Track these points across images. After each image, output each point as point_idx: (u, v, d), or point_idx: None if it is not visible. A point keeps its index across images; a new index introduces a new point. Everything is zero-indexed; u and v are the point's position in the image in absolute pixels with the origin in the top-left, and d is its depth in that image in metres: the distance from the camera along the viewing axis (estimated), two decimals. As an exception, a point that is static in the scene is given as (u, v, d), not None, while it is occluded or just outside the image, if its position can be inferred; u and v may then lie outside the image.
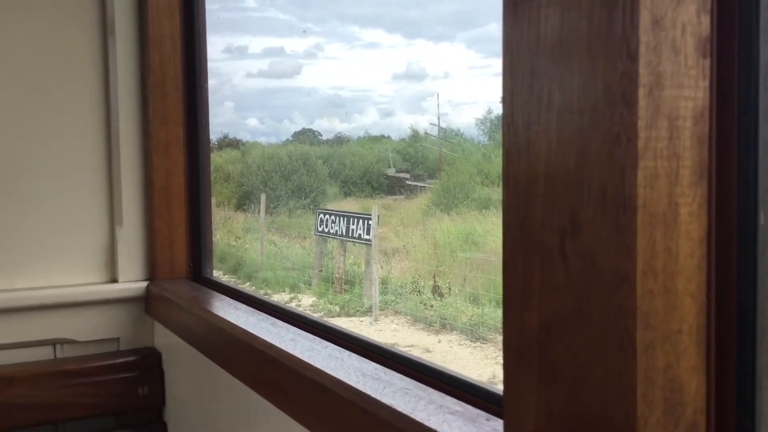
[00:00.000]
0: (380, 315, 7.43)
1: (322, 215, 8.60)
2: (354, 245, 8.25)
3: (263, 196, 9.92)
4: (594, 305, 0.57)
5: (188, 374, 1.65)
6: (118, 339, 1.82)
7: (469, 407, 0.84)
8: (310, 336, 1.21)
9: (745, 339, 0.56)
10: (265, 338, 1.19)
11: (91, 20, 1.80)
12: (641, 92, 0.52)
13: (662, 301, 0.55)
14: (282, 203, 10.56)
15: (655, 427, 0.55)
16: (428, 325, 7.07)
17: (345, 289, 8.18)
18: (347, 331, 1.20)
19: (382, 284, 7.80)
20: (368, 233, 7.77)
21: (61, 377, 1.70)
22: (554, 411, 0.61)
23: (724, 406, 0.57)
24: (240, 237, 10.39)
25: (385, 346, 1.10)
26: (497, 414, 0.81)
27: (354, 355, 1.08)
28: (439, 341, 6.71)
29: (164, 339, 1.77)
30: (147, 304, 1.81)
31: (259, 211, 10.11)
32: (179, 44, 1.84)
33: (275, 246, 9.78)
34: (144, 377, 1.77)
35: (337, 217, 8.31)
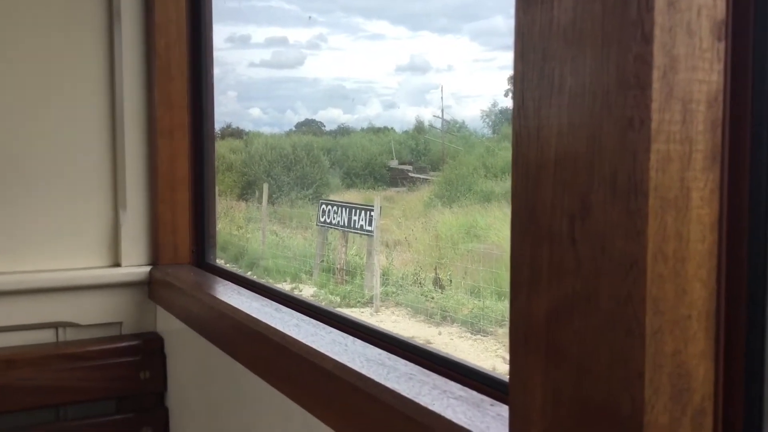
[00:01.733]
0: (381, 306, 7.43)
1: (324, 206, 8.56)
2: (356, 236, 8.23)
3: (266, 186, 9.90)
4: (603, 290, 0.56)
5: (190, 359, 1.65)
6: (120, 323, 1.82)
7: (474, 393, 0.83)
8: (314, 322, 1.21)
9: (754, 326, 0.56)
10: (269, 323, 1.19)
11: (97, 5, 1.80)
12: (655, 74, 0.52)
13: (672, 286, 0.55)
14: (284, 193, 10.55)
15: (662, 412, 0.55)
16: (429, 316, 7.07)
17: (346, 280, 8.16)
18: (351, 317, 1.20)
19: (384, 276, 7.79)
20: (370, 224, 7.75)
21: (62, 360, 1.70)
22: (560, 396, 0.61)
23: (732, 392, 0.57)
24: (242, 226, 10.38)
25: (389, 332, 1.09)
26: (501, 400, 0.81)
27: (358, 341, 1.08)
28: (440, 333, 6.71)
29: (167, 324, 1.77)
30: (150, 288, 1.81)
31: (260, 201, 10.10)
32: (185, 30, 1.84)
33: (276, 236, 9.75)
34: (146, 362, 1.77)
35: (340, 208, 8.27)
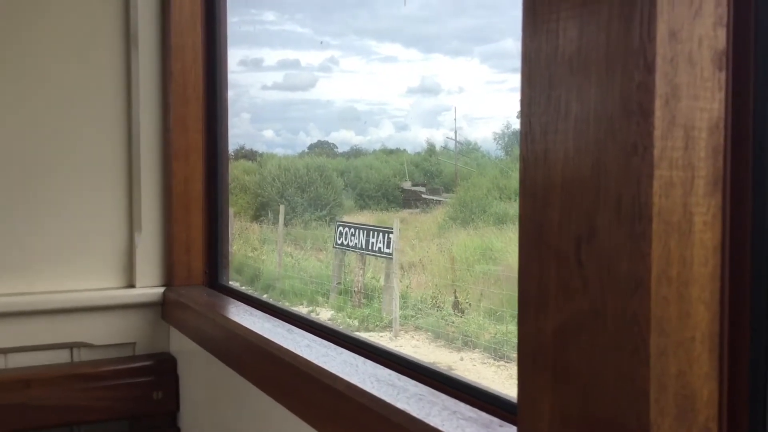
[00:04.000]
0: (400, 330, 7.29)
1: (341, 228, 8.44)
2: (371, 258, 8.13)
3: (282, 208, 9.83)
4: (609, 311, 0.58)
5: (203, 379, 1.66)
6: (134, 344, 1.84)
7: (483, 414, 0.84)
8: (325, 342, 1.22)
9: (758, 348, 0.57)
10: (281, 344, 1.21)
11: (114, 29, 1.83)
12: (658, 103, 0.53)
13: (676, 308, 0.56)
14: (298, 215, 10.53)
15: (668, 432, 0.56)
16: (449, 341, 6.91)
17: (363, 303, 8.05)
18: (362, 338, 1.22)
19: (401, 298, 7.66)
20: (388, 246, 7.63)
21: (77, 380, 1.72)
22: (568, 415, 0.62)
23: (736, 413, 0.58)
24: (257, 248, 10.34)
25: (399, 353, 1.11)
26: (510, 421, 0.82)
27: (368, 362, 1.09)
28: (461, 359, 6.54)
29: (180, 344, 1.79)
30: (163, 309, 1.83)
31: (275, 222, 10.06)
32: (201, 53, 1.87)
33: (292, 258, 9.65)
34: (159, 382, 1.78)
35: (357, 230, 8.16)
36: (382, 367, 1.06)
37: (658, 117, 0.53)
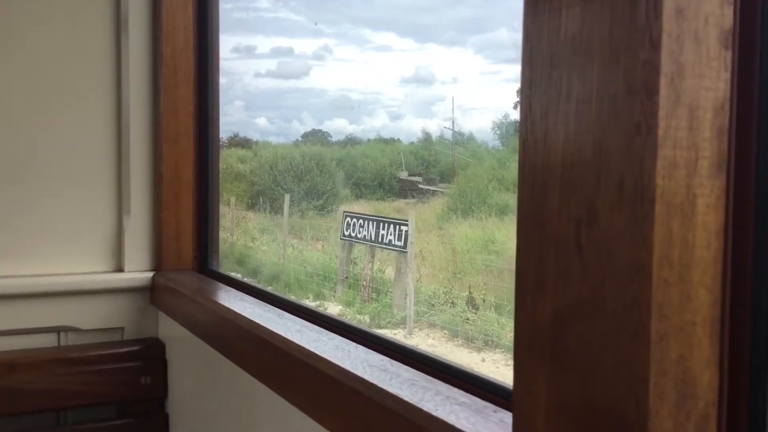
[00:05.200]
0: (414, 327, 6.83)
1: (348, 218, 7.93)
2: (378, 250, 7.68)
3: (287, 197, 9.45)
4: (608, 295, 0.57)
5: (192, 365, 1.65)
6: (122, 328, 1.82)
7: (477, 399, 0.84)
8: (317, 328, 1.21)
9: (759, 333, 0.56)
10: (272, 329, 1.20)
11: (104, 11, 1.81)
12: (663, 81, 0.52)
13: (677, 291, 0.55)
14: (294, 204, 10.34)
15: (666, 418, 0.55)
16: (468, 340, 6.44)
17: (372, 298, 7.60)
18: (353, 324, 1.21)
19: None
20: (400, 239, 7.17)
21: (64, 365, 1.70)
22: (565, 401, 0.61)
23: (737, 399, 0.57)
24: (256, 238, 10.11)
25: (391, 339, 1.10)
26: (504, 406, 0.81)
27: (360, 347, 1.08)
28: (483, 360, 6.10)
29: (169, 329, 1.78)
30: (152, 294, 1.82)
31: (273, 212, 9.83)
32: (192, 37, 1.85)
33: (293, 248, 9.27)
34: (147, 367, 1.77)
35: (366, 221, 7.66)
36: (374, 352, 1.05)
37: (663, 96, 0.52)
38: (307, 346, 1.08)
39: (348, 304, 7.64)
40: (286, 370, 1.12)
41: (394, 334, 6.51)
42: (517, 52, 0.65)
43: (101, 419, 1.77)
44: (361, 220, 7.73)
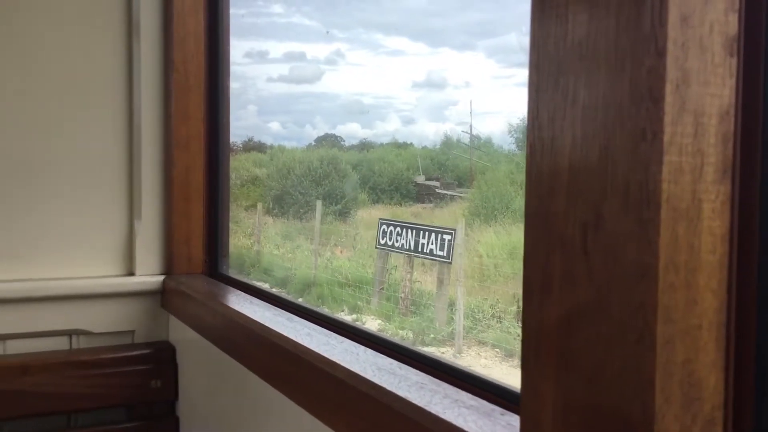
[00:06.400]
0: (462, 345, 6.25)
1: (384, 226, 7.40)
2: (422, 261, 7.15)
3: (319, 203, 9.01)
4: (614, 299, 0.57)
5: (202, 368, 1.66)
6: (132, 332, 1.84)
7: (484, 402, 0.84)
8: (326, 331, 1.22)
9: (765, 337, 0.56)
10: (282, 332, 1.20)
11: (116, 17, 1.83)
12: (668, 88, 0.53)
13: (683, 295, 0.55)
14: (311, 209, 10.05)
15: (673, 421, 0.56)
16: None
17: (412, 311, 7.07)
18: (362, 327, 1.21)
19: (453, 306, 6.60)
20: (442, 249, 6.65)
21: (75, 368, 1.72)
22: (571, 404, 0.62)
23: (742, 403, 0.57)
24: (279, 245, 9.59)
25: (399, 342, 1.10)
26: (511, 410, 0.81)
27: (369, 351, 1.08)
28: None
29: (179, 333, 1.79)
30: (163, 297, 1.83)
31: (292, 217, 9.50)
32: (203, 43, 1.86)
33: (320, 256, 8.71)
34: (158, 370, 1.78)
35: (404, 229, 7.14)
36: (382, 356, 1.06)
37: (669, 102, 0.53)
38: (316, 350, 1.09)
39: (386, 317, 7.10)
40: (296, 373, 1.13)
41: (442, 353, 5.92)
42: (527, 57, 0.66)
43: (111, 422, 1.78)
44: (398, 228, 7.23)
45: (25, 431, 1.71)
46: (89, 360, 1.74)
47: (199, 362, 1.67)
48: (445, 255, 6.65)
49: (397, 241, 7.18)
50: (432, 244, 6.79)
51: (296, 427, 1.18)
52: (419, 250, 6.92)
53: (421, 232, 6.97)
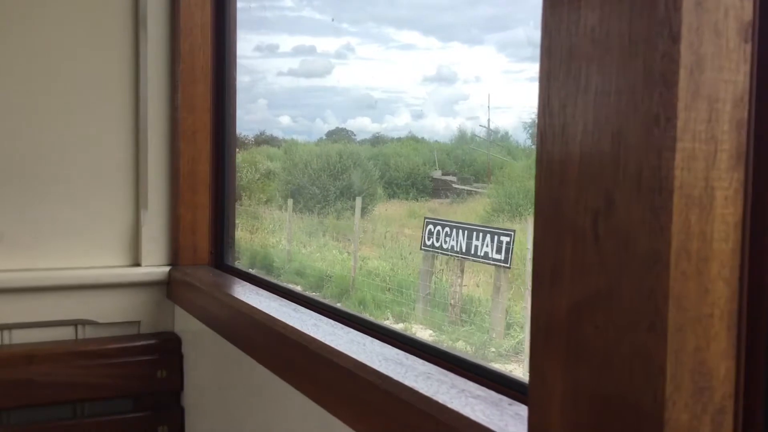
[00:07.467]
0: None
1: (431, 225, 6.75)
2: (475, 264, 6.50)
3: (359, 200, 8.32)
4: (626, 286, 0.57)
5: (208, 358, 1.66)
6: (138, 322, 1.84)
7: (492, 392, 0.84)
8: (332, 321, 1.22)
9: (777, 326, 0.56)
10: (288, 322, 1.20)
11: (123, 9, 1.82)
12: (682, 73, 0.52)
13: (695, 283, 0.55)
14: (330, 203, 9.77)
15: (683, 410, 0.55)
16: None
17: (462, 320, 6.43)
18: (368, 318, 1.21)
19: (506, 314, 6.01)
20: (499, 252, 5.98)
21: (81, 358, 1.72)
22: (580, 393, 0.61)
23: (753, 392, 0.57)
24: (305, 243, 9.08)
25: (406, 333, 1.10)
26: (519, 400, 0.81)
27: (376, 341, 1.08)
28: None
29: (185, 324, 1.79)
30: (169, 288, 1.83)
31: (309, 211, 9.19)
32: (209, 34, 1.86)
33: (348, 255, 8.13)
34: (163, 361, 1.78)
35: (453, 229, 6.47)
36: (389, 346, 1.06)
37: (682, 88, 0.52)
38: (322, 340, 1.09)
39: (437, 327, 6.47)
40: (302, 364, 1.13)
41: (511, 371, 5.09)
42: (537, 51, 0.65)
43: (117, 412, 1.78)
44: (447, 228, 6.54)
45: (31, 420, 1.71)
46: (95, 350, 1.74)
47: (205, 353, 1.67)
48: (502, 258, 5.97)
49: (445, 242, 6.52)
50: (487, 246, 6.12)
51: (303, 417, 1.18)
52: (472, 252, 6.24)
53: (474, 232, 6.28)
